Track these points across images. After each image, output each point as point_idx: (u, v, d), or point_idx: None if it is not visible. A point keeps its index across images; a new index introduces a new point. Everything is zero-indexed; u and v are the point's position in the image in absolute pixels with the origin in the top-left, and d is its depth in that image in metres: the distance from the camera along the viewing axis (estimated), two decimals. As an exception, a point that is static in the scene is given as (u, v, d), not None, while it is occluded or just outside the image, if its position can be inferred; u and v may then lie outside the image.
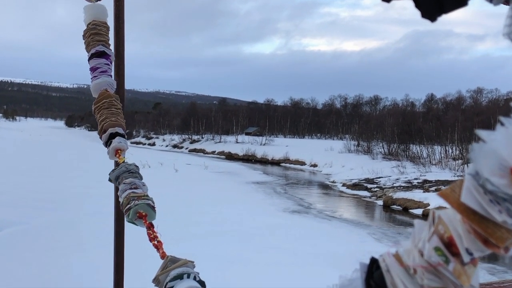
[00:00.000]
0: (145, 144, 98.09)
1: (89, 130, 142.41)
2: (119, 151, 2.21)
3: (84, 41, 2.41)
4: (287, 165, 57.04)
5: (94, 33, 2.37)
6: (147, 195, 1.93)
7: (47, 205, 16.63)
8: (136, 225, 1.85)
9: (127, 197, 1.89)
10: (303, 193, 31.83)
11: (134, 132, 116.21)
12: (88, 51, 2.39)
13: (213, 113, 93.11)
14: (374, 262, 0.73)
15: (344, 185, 36.07)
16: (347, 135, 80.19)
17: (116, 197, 2.32)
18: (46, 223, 13.74)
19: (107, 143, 2.25)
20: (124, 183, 1.97)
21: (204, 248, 13.41)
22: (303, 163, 55.71)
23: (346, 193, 32.72)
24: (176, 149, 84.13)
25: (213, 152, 74.79)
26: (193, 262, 1.46)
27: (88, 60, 2.39)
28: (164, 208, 19.42)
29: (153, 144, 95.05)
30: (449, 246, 0.64)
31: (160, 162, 43.67)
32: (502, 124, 0.60)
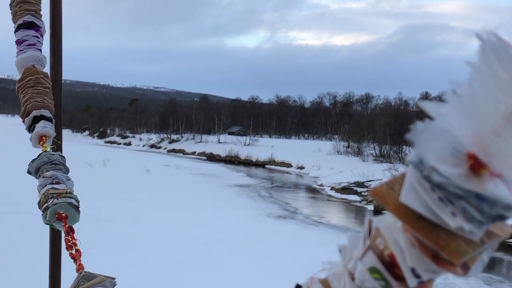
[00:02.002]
0: (120, 143, 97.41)
1: (63, 128, 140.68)
2: (43, 137, 2.02)
3: (10, 11, 2.24)
4: (273, 167, 56.96)
5: (22, 1, 2.20)
6: (71, 192, 1.73)
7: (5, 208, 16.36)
8: (55, 227, 1.68)
9: (45, 194, 1.70)
10: (289, 197, 31.76)
11: (108, 131, 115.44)
12: (14, 22, 2.22)
13: (193, 111, 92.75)
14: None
15: (332, 188, 36.05)
16: (336, 136, 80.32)
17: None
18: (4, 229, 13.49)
19: (30, 128, 2.06)
20: (43, 177, 1.78)
21: (181, 256, 13.24)
22: (289, 165, 55.68)
23: (335, 197, 32.71)
24: (153, 149, 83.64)
25: (193, 153, 74.44)
26: (114, 279, 1.29)
27: (14, 32, 2.22)
28: (134, 212, 19.27)
29: (129, 144, 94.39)
30: (391, 267, 0.49)
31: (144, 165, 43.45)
32: (454, 92, 0.45)
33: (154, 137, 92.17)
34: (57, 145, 2.15)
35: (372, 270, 0.48)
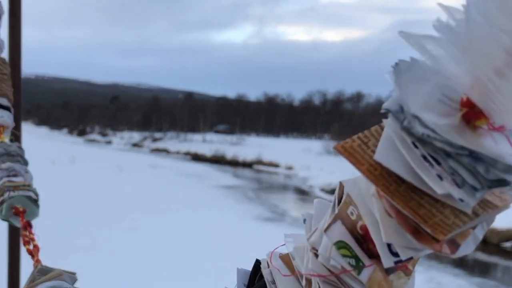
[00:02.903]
0: (100, 142, 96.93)
1: (37, 125, 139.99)
2: (0, 128, 1.95)
3: None
4: (260, 167, 56.87)
5: None
6: (29, 185, 1.66)
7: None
8: (12, 224, 1.59)
9: (0, 187, 1.62)
10: (277, 198, 31.67)
11: (88, 129, 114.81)
12: None
13: (178, 109, 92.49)
14: (258, 268, 0.51)
15: (322, 190, 35.97)
16: (326, 135, 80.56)
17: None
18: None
19: None
20: None
21: (162, 262, 13.13)
22: (277, 166, 55.62)
23: (325, 199, 32.58)
24: (136, 148, 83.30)
25: (177, 152, 74.14)
26: (74, 274, 1.22)
27: None
28: (110, 215, 19.11)
29: (110, 142, 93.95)
30: (364, 242, 0.40)
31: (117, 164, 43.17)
32: (446, 22, 0.36)
33: (136, 136, 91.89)
34: (15, 137, 2.07)
35: (340, 245, 0.39)
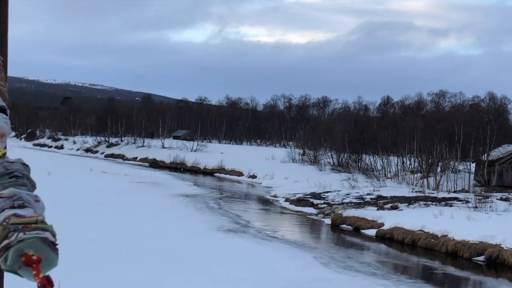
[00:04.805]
0: (51, 146, 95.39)
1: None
2: None
3: None
4: (222, 175, 56.92)
5: None
6: (43, 221, 1.27)
7: None
8: (20, 276, 1.22)
9: (4, 224, 1.24)
10: (240, 208, 31.75)
11: (38, 132, 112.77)
12: None
13: (135, 112, 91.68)
14: None
15: (287, 200, 36.25)
16: (291, 142, 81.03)
17: None
18: None
19: None
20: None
21: (118, 274, 12.98)
22: (240, 174, 55.74)
23: (289, 209, 32.89)
24: (89, 154, 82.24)
25: (134, 159, 73.59)
26: None
27: None
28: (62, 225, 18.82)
29: (61, 147, 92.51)
30: None
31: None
32: None
33: (90, 140, 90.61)
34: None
35: None
